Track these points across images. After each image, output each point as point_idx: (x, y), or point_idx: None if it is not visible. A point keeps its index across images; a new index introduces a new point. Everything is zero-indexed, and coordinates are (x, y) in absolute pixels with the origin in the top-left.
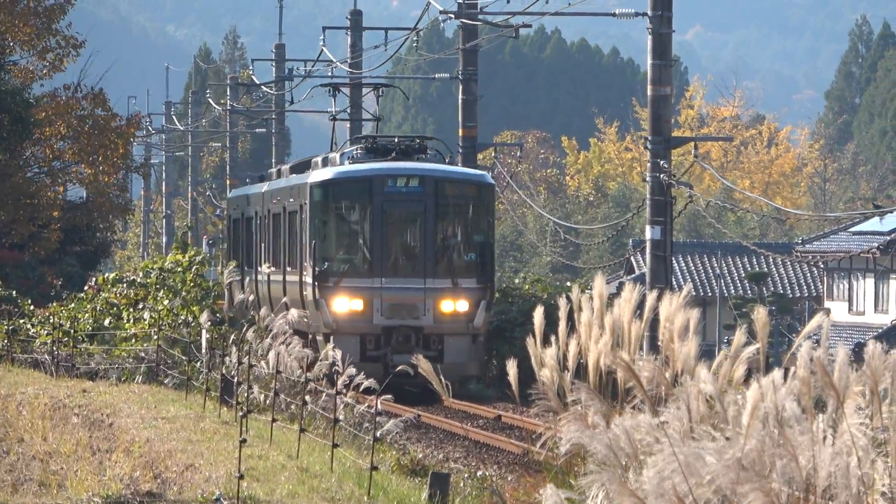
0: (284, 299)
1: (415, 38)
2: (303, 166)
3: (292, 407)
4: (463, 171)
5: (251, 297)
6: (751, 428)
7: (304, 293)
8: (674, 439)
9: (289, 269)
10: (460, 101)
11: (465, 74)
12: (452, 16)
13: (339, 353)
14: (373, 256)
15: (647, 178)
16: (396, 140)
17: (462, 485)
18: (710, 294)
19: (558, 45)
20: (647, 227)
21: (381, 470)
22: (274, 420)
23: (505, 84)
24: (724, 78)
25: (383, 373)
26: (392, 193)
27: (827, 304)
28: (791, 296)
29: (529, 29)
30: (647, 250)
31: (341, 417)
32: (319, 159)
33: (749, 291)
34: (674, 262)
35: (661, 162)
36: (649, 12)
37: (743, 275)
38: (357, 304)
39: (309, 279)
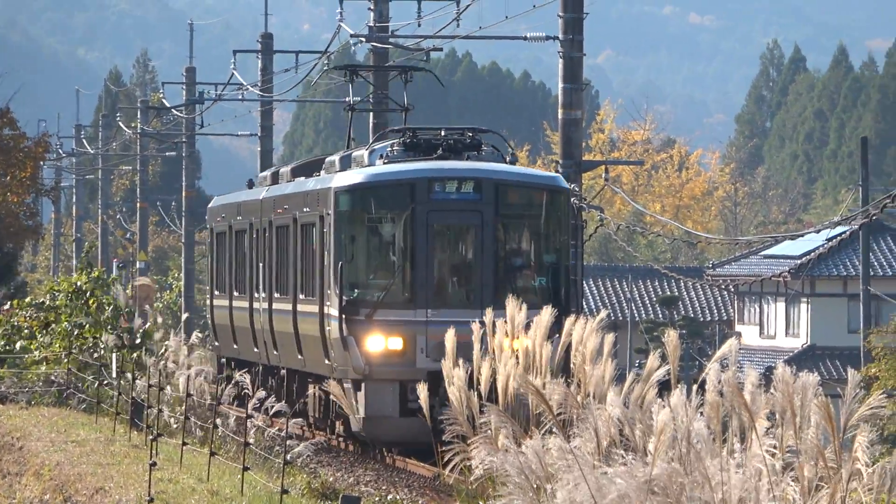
0: (294, 335)
1: (326, 62)
2: (310, 167)
3: (203, 430)
4: (530, 172)
5: (244, 329)
6: (659, 451)
7: (327, 328)
8: (584, 462)
9: (301, 296)
10: (371, 124)
11: (377, 97)
12: (363, 39)
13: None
14: (415, 282)
15: None
16: (443, 133)
17: None
18: (621, 318)
19: (469, 68)
20: None
21: (292, 493)
22: (184, 443)
23: (416, 107)
24: (635, 102)
25: (429, 430)
26: (440, 201)
27: (738, 327)
28: (702, 319)
29: (440, 52)
30: None
31: (252, 441)
32: (337, 158)
33: (660, 315)
34: (585, 285)
35: (572, 185)
36: (560, 36)
37: (654, 298)
38: (395, 343)
39: (333, 311)
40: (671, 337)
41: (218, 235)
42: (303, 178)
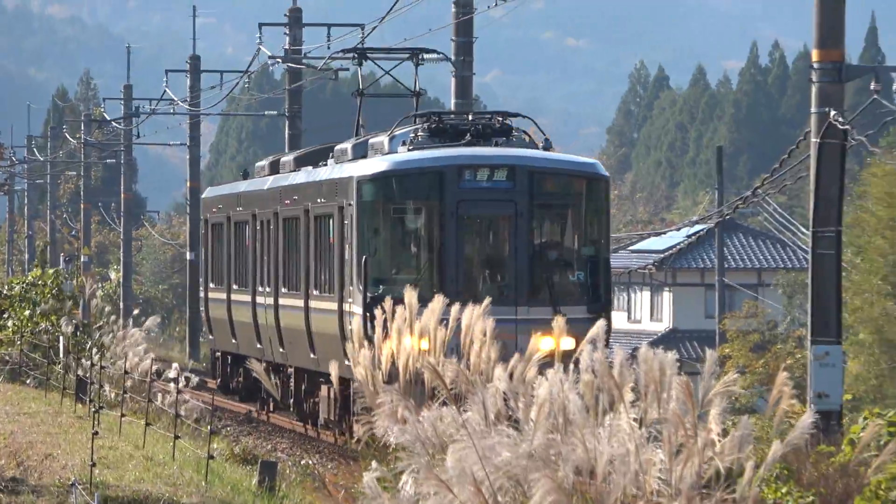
0: (306, 332)
1: (247, 80)
2: (315, 156)
3: (140, 404)
4: (567, 158)
5: (245, 324)
6: (539, 421)
7: (349, 326)
8: (473, 431)
9: (316, 292)
10: (287, 135)
11: (291, 112)
12: (280, 60)
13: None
14: (445, 277)
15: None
16: (470, 118)
17: (288, 471)
18: None
19: (374, 87)
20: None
21: (217, 459)
22: (123, 415)
23: (326, 121)
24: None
25: None
26: (471, 190)
27: None
28: None
29: (347, 72)
30: None
31: (182, 413)
32: (349, 146)
33: None
34: None
35: None
36: (452, 57)
37: None
38: (424, 342)
39: (356, 308)
40: (559, 321)
41: (214, 227)
42: (310, 168)
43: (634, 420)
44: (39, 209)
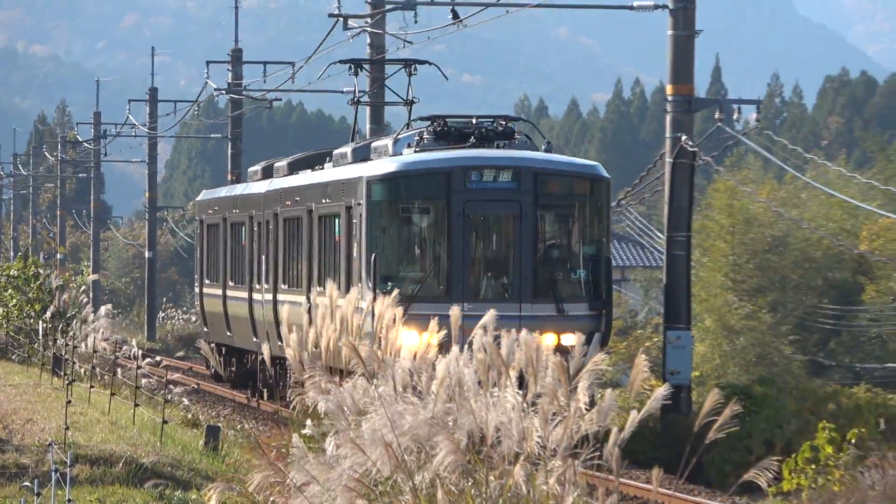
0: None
1: (196, 109)
2: (309, 161)
3: (106, 377)
4: (570, 160)
5: (241, 319)
6: (439, 394)
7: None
8: (384, 401)
9: (320, 289)
10: (229, 154)
11: (233, 135)
12: (224, 92)
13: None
14: (451, 275)
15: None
16: (474, 122)
17: (229, 434)
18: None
19: (301, 114)
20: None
21: (171, 423)
22: (91, 387)
23: (263, 143)
24: None
25: None
26: (477, 190)
27: None
28: None
29: (280, 102)
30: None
31: (142, 385)
32: (349, 150)
33: None
34: None
35: None
36: (367, 90)
37: None
38: (426, 339)
39: (365, 304)
40: (454, 312)
41: (209, 227)
42: (309, 171)
43: (518, 393)
44: (23, 215)
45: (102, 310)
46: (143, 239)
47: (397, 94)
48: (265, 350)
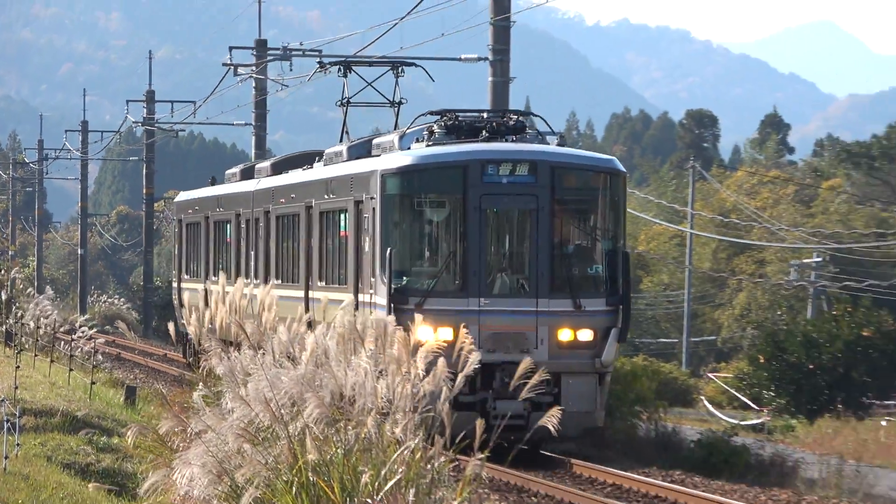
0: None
1: (119, 137)
2: (292, 162)
3: (47, 348)
4: (586, 154)
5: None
6: (308, 360)
7: (371, 317)
8: (265, 366)
9: (321, 283)
10: (144, 174)
11: (147, 158)
12: (140, 124)
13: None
14: (467, 269)
15: None
16: (485, 116)
17: (144, 392)
18: None
19: (202, 142)
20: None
21: (98, 384)
22: (35, 355)
23: (171, 164)
24: None
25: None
26: (494, 184)
27: None
28: None
29: (184, 132)
30: None
31: (77, 354)
32: (344, 148)
33: None
34: None
35: None
36: (253, 123)
37: None
38: (446, 334)
39: (380, 299)
40: (323, 297)
41: (188, 226)
42: (300, 170)
43: (370, 361)
44: None
45: (46, 294)
46: (76, 239)
47: (384, 96)
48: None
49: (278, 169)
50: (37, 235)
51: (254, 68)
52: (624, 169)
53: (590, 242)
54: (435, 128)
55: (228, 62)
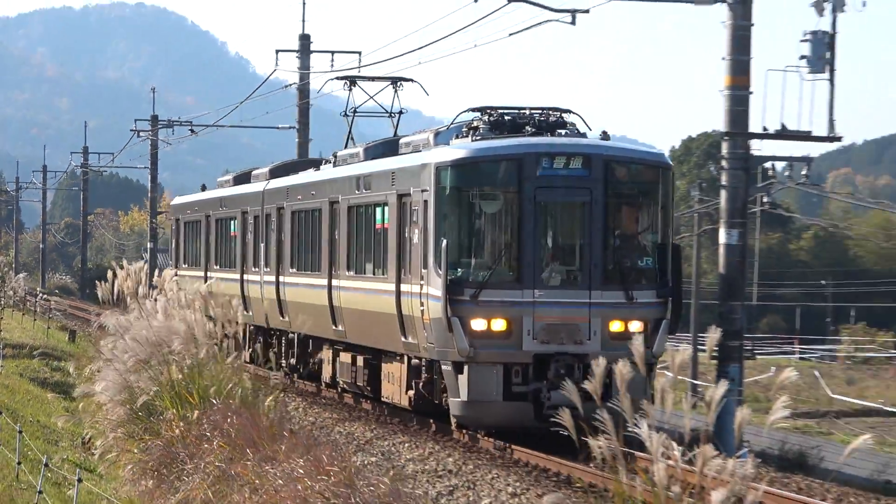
0: (329, 308)
1: (66, 175)
2: (291, 167)
3: (20, 306)
4: (637, 147)
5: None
6: (162, 315)
7: (420, 307)
8: (139, 320)
9: (350, 273)
10: (82, 198)
11: (84, 189)
12: (79, 167)
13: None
14: (522, 261)
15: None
16: (528, 112)
17: (80, 335)
18: None
19: (118, 179)
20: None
21: (51, 328)
22: (13, 311)
23: (100, 192)
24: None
25: (534, 415)
26: (549, 177)
27: None
28: None
29: (106, 172)
30: (150, 251)
31: (38, 309)
32: (360, 150)
33: None
34: None
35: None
36: (149, 167)
37: None
38: (501, 325)
39: (434, 290)
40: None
41: (186, 224)
42: (312, 170)
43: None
44: None
45: (21, 274)
46: (39, 238)
47: (382, 107)
48: (257, 319)
49: (276, 174)
50: (14, 236)
51: (149, 133)
52: (671, 163)
53: (641, 235)
54: (479, 124)
55: (134, 128)
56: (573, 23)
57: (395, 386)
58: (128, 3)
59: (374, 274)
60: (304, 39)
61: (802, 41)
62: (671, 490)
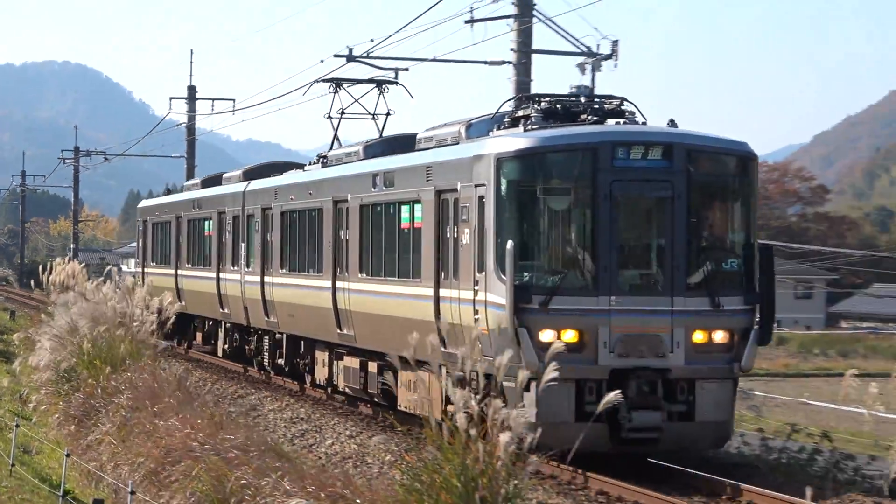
0: (334, 312)
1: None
2: (265, 170)
3: None
4: (719, 137)
5: (197, 293)
6: (100, 299)
7: (475, 316)
8: (77, 303)
9: (361, 275)
10: (20, 210)
11: (23, 205)
12: (18, 187)
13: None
14: (597, 264)
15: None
16: (582, 100)
17: (18, 314)
18: None
19: (48, 195)
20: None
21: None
22: None
23: (37, 209)
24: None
25: (609, 438)
26: (625, 169)
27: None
28: None
29: (41, 190)
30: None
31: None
32: (360, 148)
33: None
34: None
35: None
36: (72, 185)
37: None
38: (574, 336)
39: (496, 297)
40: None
41: (154, 225)
42: (298, 171)
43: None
44: None
45: None
46: None
47: (367, 110)
48: (235, 317)
49: (250, 176)
50: None
51: (73, 160)
52: (755, 153)
53: (727, 234)
54: (531, 112)
55: (61, 157)
56: (396, 78)
57: (418, 396)
58: (57, 60)
59: (398, 277)
60: (191, 90)
61: (569, 92)
62: (470, 432)
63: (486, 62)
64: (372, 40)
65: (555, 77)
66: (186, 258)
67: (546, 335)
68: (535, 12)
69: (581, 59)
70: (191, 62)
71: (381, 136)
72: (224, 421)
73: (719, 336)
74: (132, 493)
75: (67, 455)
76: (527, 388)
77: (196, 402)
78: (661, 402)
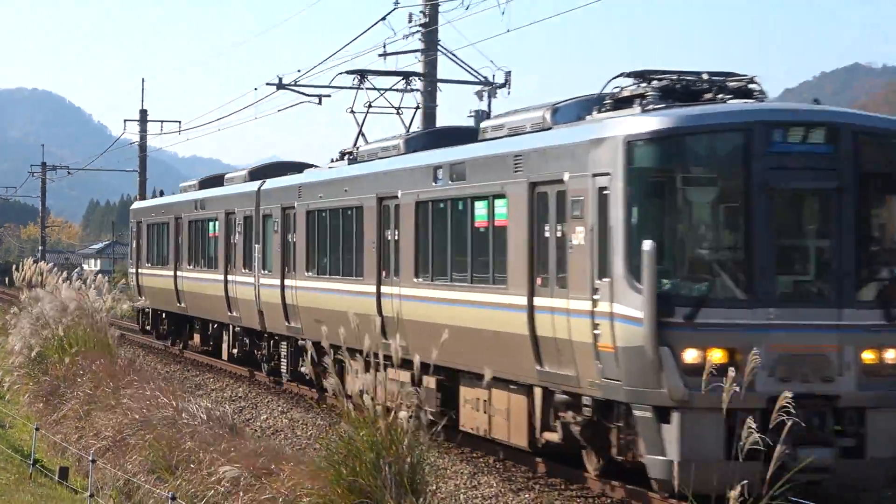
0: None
1: None
2: (268, 170)
3: None
4: (889, 117)
5: (192, 293)
6: (70, 297)
7: (596, 331)
8: (46, 297)
9: (418, 279)
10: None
11: None
12: None
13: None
14: (752, 270)
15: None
16: (705, 77)
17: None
18: None
19: (21, 206)
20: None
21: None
22: None
23: (11, 214)
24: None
25: (766, 477)
26: (782, 155)
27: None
28: None
29: (11, 198)
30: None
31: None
32: (401, 142)
33: None
34: None
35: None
36: (39, 196)
37: None
38: (719, 356)
39: (624, 308)
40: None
41: (150, 226)
42: (316, 168)
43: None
44: None
45: None
46: None
47: (391, 104)
48: (245, 321)
49: (256, 176)
50: None
51: (40, 173)
52: None
53: None
54: (647, 90)
55: (30, 171)
56: (319, 103)
57: (499, 420)
58: (26, 87)
59: (470, 283)
60: (143, 113)
61: (468, 117)
62: (376, 408)
63: (399, 90)
64: (299, 70)
65: (457, 103)
66: (188, 259)
67: (690, 355)
68: (439, 47)
69: (479, 87)
70: (142, 89)
71: (407, 130)
72: (178, 393)
73: (892, 355)
74: (93, 461)
75: (37, 429)
76: (665, 419)
77: (153, 382)
78: (831, 436)
